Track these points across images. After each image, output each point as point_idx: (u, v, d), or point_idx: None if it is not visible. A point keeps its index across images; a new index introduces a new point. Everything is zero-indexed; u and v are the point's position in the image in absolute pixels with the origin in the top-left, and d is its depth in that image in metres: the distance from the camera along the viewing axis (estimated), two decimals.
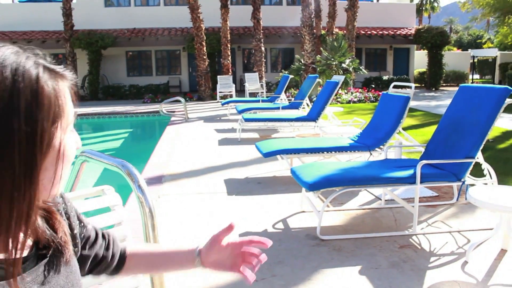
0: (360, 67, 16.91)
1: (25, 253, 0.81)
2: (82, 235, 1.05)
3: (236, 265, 1.13)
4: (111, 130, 14.11)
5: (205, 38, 18.81)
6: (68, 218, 0.99)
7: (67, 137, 0.77)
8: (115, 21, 23.51)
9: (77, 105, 0.81)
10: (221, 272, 1.11)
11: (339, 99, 15.58)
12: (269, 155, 5.19)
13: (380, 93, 5.16)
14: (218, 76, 18.35)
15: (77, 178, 2.33)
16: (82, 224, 1.05)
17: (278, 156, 5.45)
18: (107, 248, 1.11)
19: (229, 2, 19.60)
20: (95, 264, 1.09)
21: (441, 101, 16.45)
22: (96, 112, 15.30)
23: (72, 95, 0.79)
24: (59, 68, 0.77)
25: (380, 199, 4.42)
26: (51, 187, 0.77)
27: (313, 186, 3.52)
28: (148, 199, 1.76)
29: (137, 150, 10.77)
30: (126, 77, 24.07)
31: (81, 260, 1.04)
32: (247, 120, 8.35)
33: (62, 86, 0.75)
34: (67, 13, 19.97)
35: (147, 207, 1.74)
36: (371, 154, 5.09)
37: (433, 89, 23.43)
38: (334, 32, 20.42)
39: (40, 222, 0.85)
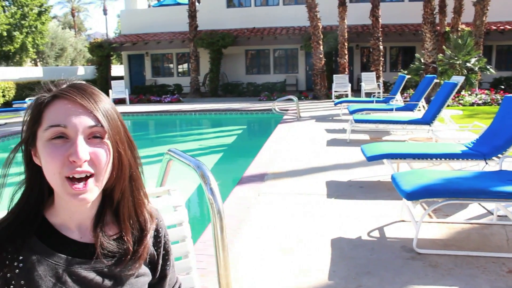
0: (488, 67, 15.50)
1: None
2: (164, 272, 1.17)
3: None
4: (226, 126, 14.67)
5: (322, 36, 18.68)
6: (156, 246, 1.14)
7: (42, 142, 0.93)
8: (236, 21, 24.38)
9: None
10: None
11: (461, 101, 14.46)
12: (373, 159, 4.99)
13: (505, 95, 4.66)
14: (334, 75, 18.12)
15: (165, 174, 2.44)
16: (169, 262, 1.18)
17: (384, 160, 5.22)
18: None
19: (347, 0, 19.22)
20: None
21: None
22: (214, 108, 16.04)
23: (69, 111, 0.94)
24: (61, 92, 0.95)
25: (492, 214, 4.01)
26: (51, 184, 0.95)
27: (411, 195, 3.30)
28: (218, 201, 1.78)
29: (247, 146, 11.07)
30: (245, 75, 24.86)
31: None
32: (357, 121, 8.13)
33: (53, 104, 0.94)
34: (192, 15, 21.20)
35: (216, 209, 1.76)
36: (486, 163, 4.64)
37: None
38: (459, 29, 18.98)
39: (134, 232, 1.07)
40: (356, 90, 20.27)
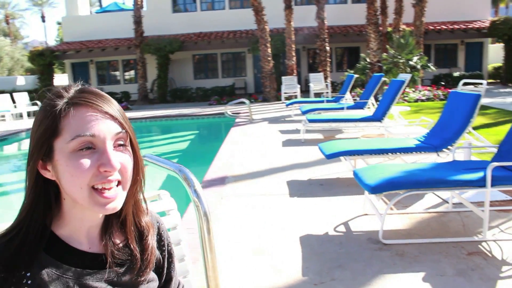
0: (429, 64, 16.24)
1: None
2: (170, 275, 1.18)
3: None
4: (178, 132, 14.53)
5: (269, 39, 18.91)
6: (160, 250, 1.15)
7: (65, 154, 0.89)
8: (182, 26, 24.25)
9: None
10: None
11: (406, 98, 15.07)
12: (332, 156, 5.12)
13: (450, 90, 4.94)
14: (283, 77, 18.36)
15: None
16: (173, 265, 1.18)
17: (341, 158, 5.37)
18: None
19: (293, 3, 19.54)
20: None
21: None
22: (164, 114, 15.85)
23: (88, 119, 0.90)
24: (81, 99, 0.91)
25: (448, 203, 4.23)
26: (74, 196, 0.92)
27: (376, 189, 3.43)
28: (203, 203, 1.79)
29: (202, 151, 11.02)
30: (193, 80, 24.76)
31: None
32: (311, 121, 8.29)
33: (73, 113, 0.89)
34: (138, 21, 20.87)
35: (202, 211, 1.78)
36: (438, 155, 4.88)
37: (510, 84, 22.03)
38: (401, 29, 19.77)
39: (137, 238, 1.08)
40: (305, 91, 20.64)
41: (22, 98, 18.63)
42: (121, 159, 0.92)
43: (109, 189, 0.90)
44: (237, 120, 12.83)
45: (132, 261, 1.03)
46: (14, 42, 51.90)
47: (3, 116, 17.47)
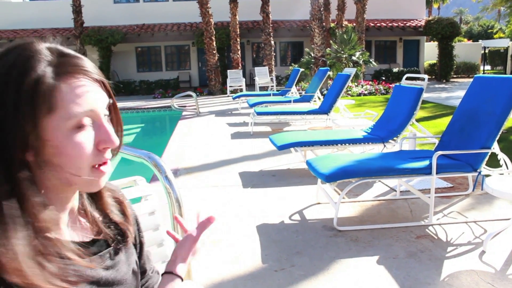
0: (370, 60, 16.83)
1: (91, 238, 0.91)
2: (140, 239, 1.12)
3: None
4: (123, 125, 14.17)
5: (214, 32, 18.85)
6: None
7: (60, 135, 0.76)
8: (125, 17, 23.63)
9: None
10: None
11: (349, 92, 15.55)
12: (284, 147, 5.23)
13: (391, 85, 5.17)
14: (228, 71, 18.39)
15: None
16: (141, 233, 1.12)
17: (292, 149, 5.49)
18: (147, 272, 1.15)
19: None
20: None
21: (452, 93, 16.34)
22: None
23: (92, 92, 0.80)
24: (76, 66, 0.79)
25: (395, 191, 4.45)
26: (69, 179, 0.80)
27: (330, 178, 3.55)
28: (175, 189, 1.81)
29: (149, 145, 10.85)
30: (136, 72, 24.21)
31: None
32: (259, 113, 8.38)
33: (68, 83, 0.76)
34: (77, 10, 20.08)
35: (175, 197, 1.79)
36: (385, 146, 5.10)
37: (444, 81, 23.22)
38: (343, 25, 20.34)
39: (114, 208, 0.99)
40: (250, 85, 20.78)
41: None
42: (112, 131, 0.83)
43: (105, 163, 0.82)
44: (183, 113, 12.72)
45: (122, 235, 0.97)
46: None
47: None
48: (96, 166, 0.81)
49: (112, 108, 0.86)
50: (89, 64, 0.81)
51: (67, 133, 0.76)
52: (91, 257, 0.87)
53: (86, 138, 0.78)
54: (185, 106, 13.94)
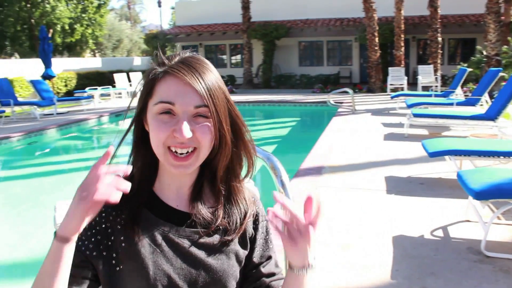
0: None
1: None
2: (263, 252, 1.17)
3: None
4: (280, 117, 14.65)
5: (377, 28, 18.27)
6: (254, 225, 1.16)
7: (151, 115, 0.99)
8: (289, 12, 24.30)
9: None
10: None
11: None
12: (436, 155, 4.84)
13: None
14: (390, 68, 17.69)
15: None
16: (267, 247, 1.17)
17: (446, 157, 5.06)
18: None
19: None
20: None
21: None
22: (267, 99, 16.09)
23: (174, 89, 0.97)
24: (172, 69, 0.99)
25: None
26: (156, 152, 1.01)
27: (480, 195, 3.18)
28: (288, 193, 1.79)
29: (302, 138, 11.02)
30: (298, 66, 24.77)
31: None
32: (416, 115, 7.91)
33: (164, 80, 0.99)
34: (245, 6, 21.27)
35: None
36: None
37: None
38: None
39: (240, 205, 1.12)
40: (412, 84, 19.68)
41: (137, 78, 19.96)
42: (197, 129, 0.97)
43: (181, 153, 0.97)
44: (339, 109, 12.64)
45: (217, 226, 1.06)
46: (134, 26, 55.69)
47: (120, 93, 18.85)
48: (174, 151, 0.98)
49: (212, 112, 0.98)
50: (193, 72, 0.98)
51: (154, 115, 0.98)
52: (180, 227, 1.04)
53: (164, 123, 0.97)
54: (341, 103, 13.81)
